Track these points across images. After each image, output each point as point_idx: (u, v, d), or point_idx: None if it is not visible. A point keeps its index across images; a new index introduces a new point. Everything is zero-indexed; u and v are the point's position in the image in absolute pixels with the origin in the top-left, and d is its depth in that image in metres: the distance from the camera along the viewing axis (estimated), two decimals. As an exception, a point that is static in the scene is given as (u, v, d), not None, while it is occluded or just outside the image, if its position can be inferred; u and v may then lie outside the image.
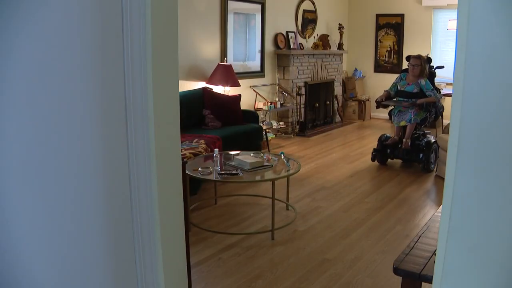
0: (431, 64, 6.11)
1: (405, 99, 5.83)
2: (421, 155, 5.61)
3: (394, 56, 8.98)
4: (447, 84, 8.05)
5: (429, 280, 1.95)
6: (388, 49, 9.08)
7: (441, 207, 1.58)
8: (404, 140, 5.76)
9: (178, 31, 1.98)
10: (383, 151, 5.94)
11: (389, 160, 6.05)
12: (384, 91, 6.13)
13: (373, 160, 5.98)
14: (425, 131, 6.03)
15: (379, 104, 5.99)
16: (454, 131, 1.34)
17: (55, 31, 1.75)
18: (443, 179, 2.34)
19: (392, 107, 6.00)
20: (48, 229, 1.87)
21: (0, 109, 1.79)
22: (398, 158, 5.87)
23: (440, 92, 6.14)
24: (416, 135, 5.84)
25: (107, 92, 1.86)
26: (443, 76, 8.49)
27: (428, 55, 6.30)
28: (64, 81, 1.79)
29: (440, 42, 8.56)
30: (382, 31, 9.11)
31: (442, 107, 5.99)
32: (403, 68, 6.39)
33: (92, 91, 1.84)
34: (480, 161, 1.33)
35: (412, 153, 5.71)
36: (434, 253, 2.17)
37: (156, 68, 1.86)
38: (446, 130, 5.83)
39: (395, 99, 6.03)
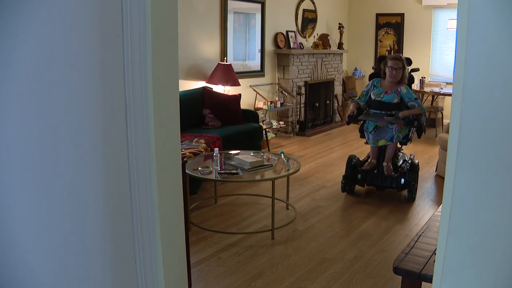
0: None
1: (382, 112, 4.60)
2: (403, 180, 4.47)
3: (394, 55, 8.98)
4: (447, 83, 8.05)
5: (429, 279, 1.96)
6: (388, 48, 9.08)
7: (441, 206, 1.58)
8: (384, 164, 4.59)
9: (178, 30, 1.98)
10: (355, 178, 4.69)
11: (357, 187, 4.85)
12: (352, 102, 4.86)
13: (343, 190, 4.70)
14: (398, 149, 4.90)
15: (352, 119, 4.73)
16: (454, 131, 1.34)
17: (55, 31, 1.75)
18: (443, 178, 2.34)
19: (363, 122, 4.78)
20: (48, 229, 1.87)
21: (1, 109, 1.79)
22: (372, 185, 4.66)
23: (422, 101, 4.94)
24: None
25: (107, 92, 1.86)
26: (443, 76, 8.51)
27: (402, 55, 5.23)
28: (64, 81, 1.79)
29: (440, 41, 8.56)
30: (382, 30, 9.11)
31: (425, 120, 4.71)
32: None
33: (92, 91, 1.84)
34: (480, 161, 1.33)
35: (391, 178, 4.54)
36: (434, 253, 2.17)
37: (156, 68, 1.86)
38: (446, 129, 5.81)
39: (365, 111, 4.81)
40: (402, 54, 8.80)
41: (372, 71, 4.99)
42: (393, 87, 4.57)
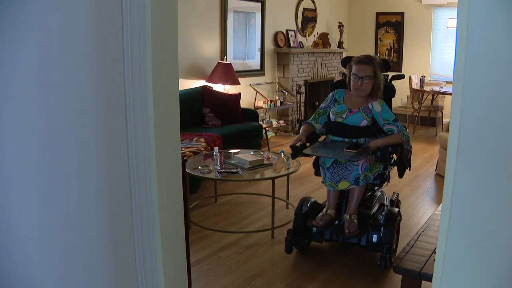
0: (387, 73, 3.31)
1: (345, 140, 3.15)
2: (375, 237, 3.06)
3: (394, 54, 8.98)
4: (447, 82, 8.05)
5: (429, 278, 1.96)
6: (388, 47, 9.07)
7: (441, 205, 1.58)
8: (346, 217, 3.11)
9: (178, 29, 1.98)
10: (308, 232, 3.29)
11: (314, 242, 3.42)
12: (303, 123, 3.32)
13: (288, 250, 3.28)
14: (374, 186, 3.39)
15: (298, 151, 3.12)
16: (454, 130, 1.35)
17: (55, 31, 1.75)
18: (443, 177, 2.34)
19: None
20: (47, 228, 1.87)
21: (2, 109, 1.79)
22: (332, 240, 3.24)
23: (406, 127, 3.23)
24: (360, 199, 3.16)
25: (107, 91, 1.86)
26: (443, 75, 8.50)
27: (378, 55, 3.43)
28: (64, 81, 1.79)
29: (440, 40, 8.56)
30: (382, 29, 9.10)
31: (410, 150, 3.20)
32: (395, 73, 3.59)
33: (92, 91, 1.84)
34: (480, 160, 1.33)
35: (358, 234, 3.09)
36: (434, 252, 2.17)
37: (156, 67, 1.86)
38: (446, 128, 5.81)
39: (322, 138, 3.37)
40: (404, 53, 8.85)
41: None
42: (361, 102, 3.13)
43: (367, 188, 3.26)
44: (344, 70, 3.32)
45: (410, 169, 3.30)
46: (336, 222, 3.21)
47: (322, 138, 3.40)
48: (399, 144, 3.07)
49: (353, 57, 3.21)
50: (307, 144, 3.19)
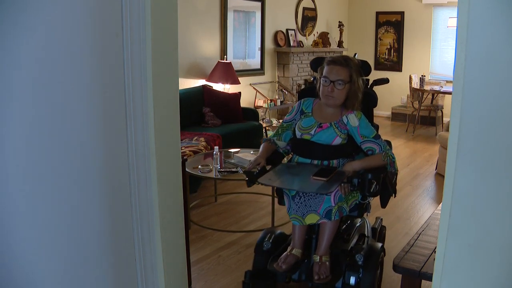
0: (368, 77, 2.78)
1: (314, 161, 2.51)
2: (353, 278, 2.44)
3: (394, 54, 8.98)
4: (447, 82, 8.04)
5: (429, 277, 1.96)
6: (388, 47, 9.07)
7: (441, 204, 1.58)
8: (315, 258, 2.47)
9: (178, 29, 1.98)
10: (271, 272, 2.51)
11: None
12: (263, 141, 2.65)
13: None
14: (352, 216, 2.71)
15: (253, 178, 2.39)
16: (454, 129, 1.35)
17: (55, 31, 1.75)
18: (443, 176, 2.34)
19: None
20: (48, 228, 1.87)
21: (3, 109, 1.79)
22: (301, 281, 2.54)
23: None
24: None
25: (107, 91, 1.86)
26: (443, 74, 8.50)
27: (356, 55, 2.85)
28: (64, 81, 1.79)
29: (440, 40, 8.55)
30: (382, 29, 9.10)
31: (396, 174, 2.62)
32: (381, 77, 3.03)
33: (92, 90, 1.84)
34: (480, 159, 1.33)
35: (333, 274, 2.46)
36: (434, 251, 2.17)
37: (156, 67, 1.86)
38: (446, 128, 5.81)
39: (287, 159, 2.75)
40: (404, 52, 8.85)
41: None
42: (334, 115, 2.51)
43: (342, 220, 2.66)
44: (316, 74, 2.62)
45: (395, 196, 2.73)
46: (306, 260, 2.53)
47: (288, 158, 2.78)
48: (381, 167, 2.42)
49: (326, 57, 2.56)
50: (268, 168, 2.52)
